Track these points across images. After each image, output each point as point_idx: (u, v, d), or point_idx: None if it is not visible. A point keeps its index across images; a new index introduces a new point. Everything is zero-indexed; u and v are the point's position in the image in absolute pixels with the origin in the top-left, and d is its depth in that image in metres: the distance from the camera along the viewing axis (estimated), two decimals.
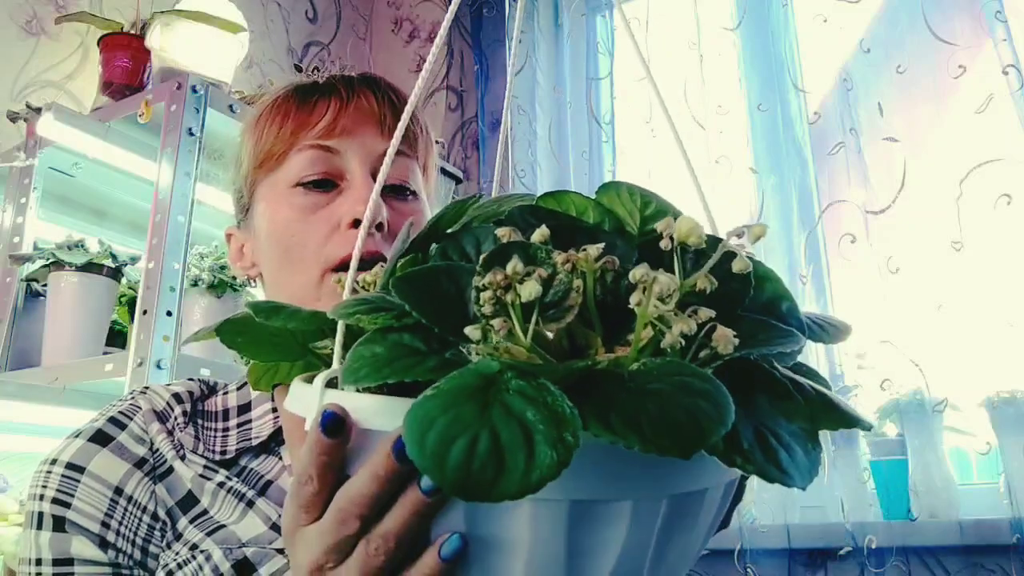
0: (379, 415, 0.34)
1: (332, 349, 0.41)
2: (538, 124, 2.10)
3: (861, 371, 1.54)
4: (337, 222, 0.68)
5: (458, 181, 2.01)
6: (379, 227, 0.67)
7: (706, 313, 0.32)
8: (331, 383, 0.37)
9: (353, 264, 0.41)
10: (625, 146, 2.02)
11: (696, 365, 0.32)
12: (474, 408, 0.29)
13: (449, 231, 0.43)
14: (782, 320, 0.38)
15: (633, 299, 0.32)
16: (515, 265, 0.32)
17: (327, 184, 0.69)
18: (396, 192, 0.71)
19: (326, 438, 0.35)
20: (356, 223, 0.66)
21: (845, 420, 0.36)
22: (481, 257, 0.36)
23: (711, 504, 0.36)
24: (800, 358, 0.38)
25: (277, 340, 0.41)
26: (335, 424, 0.35)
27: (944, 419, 1.48)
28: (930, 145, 1.61)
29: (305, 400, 0.38)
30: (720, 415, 0.29)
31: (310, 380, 0.41)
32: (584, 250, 0.34)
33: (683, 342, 0.32)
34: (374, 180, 0.69)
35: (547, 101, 2.14)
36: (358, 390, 0.35)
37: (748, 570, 1.53)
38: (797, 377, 0.36)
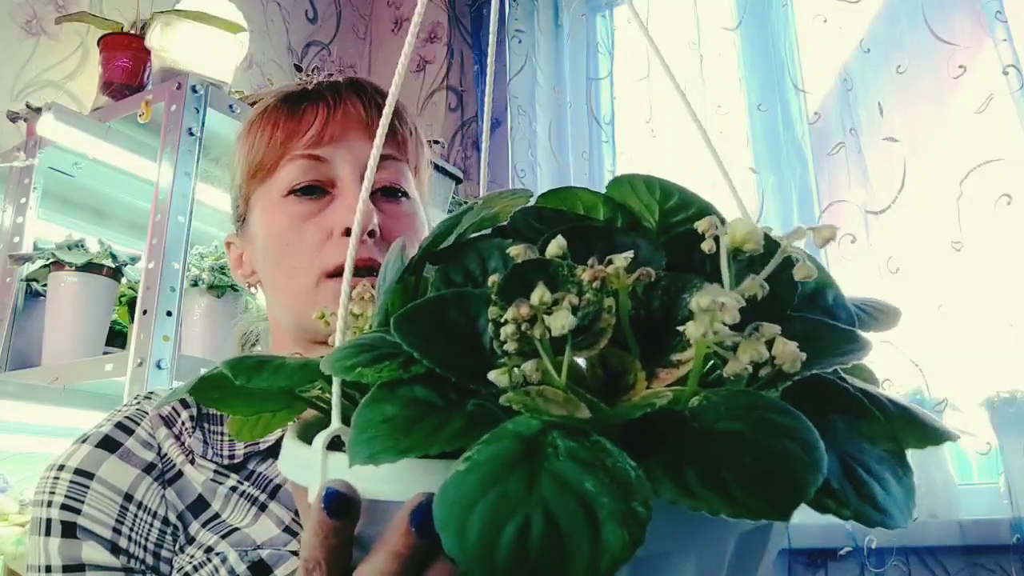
0: (391, 483, 0.29)
1: (323, 394, 0.36)
2: (538, 124, 2.10)
3: None
4: (330, 230, 0.68)
5: (458, 181, 2.01)
6: (371, 234, 0.67)
7: (771, 330, 0.27)
8: (332, 443, 0.32)
9: (345, 286, 0.36)
10: (625, 146, 2.02)
11: (758, 387, 0.28)
12: (519, 481, 0.24)
13: (442, 247, 0.38)
14: (829, 312, 0.33)
15: (696, 330, 0.26)
16: (542, 295, 0.27)
17: (318, 191, 0.70)
18: (387, 194, 0.72)
19: (331, 520, 0.31)
20: (348, 231, 0.67)
21: (933, 436, 0.31)
22: (491, 280, 0.31)
23: (779, 531, 0.32)
24: None
25: (255, 392, 0.35)
26: (341, 505, 0.30)
27: (944, 419, 1.48)
28: (930, 145, 1.60)
29: (303, 464, 0.33)
30: (813, 458, 0.24)
31: (304, 433, 0.35)
32: (610, 262, 0.29)
33: (750, 369, 0.27)
34: None
35: (547, 101, 2.14)
36: None
37: None
38: (869, 388, 0.31)
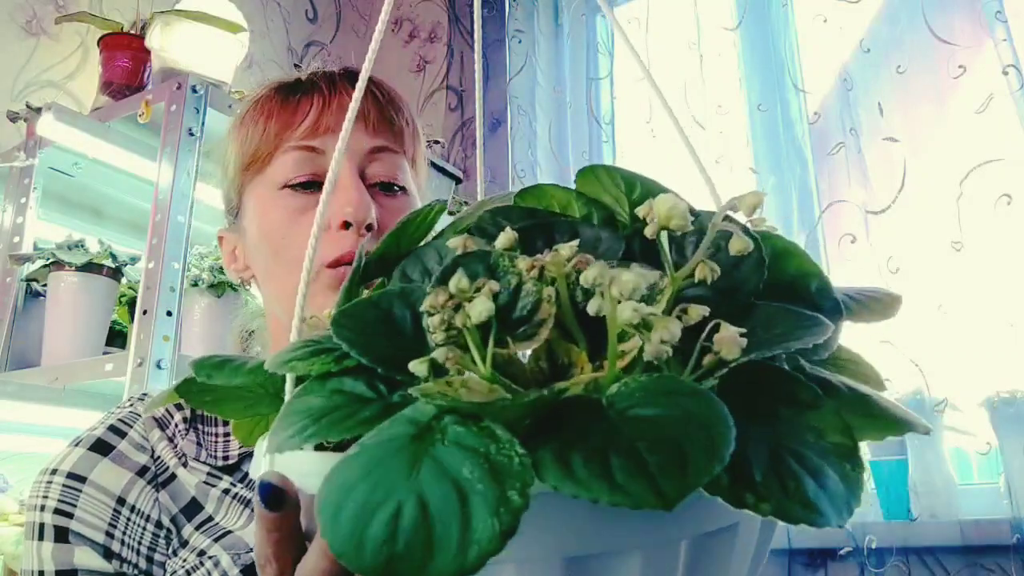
0: (320, 476, 0.28)
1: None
2: (538, 124, 2.10)
3: None
4: (327, 223, 0.67)
5: (458, 181, 2.01)
6: (368, 227, 0.66)
7: (698, 311, 0.26)
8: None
9: (302, 286, 0.36)
10: (625, 146, 2.02)
11: (698, 375, 0.27)
12: (402, 467, 0.24)
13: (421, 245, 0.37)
14: (811, 302, 0.32)
15: (592, 307, 0.26)
16: (459, 281, 0.27)
17: (315, 185, 0.68)
18: (385, 189, 0.70)
19: (269, 512, 0.31)
20: (346, 224, 0.66)
21: (893, 425, 0.29)
22: (434, 278, 0.31)
23: (746, 538, 0.29)
24: None
25: (246, 394, 0.35)
26: (274, 497, 0.31)
27: (944, 419, 1.48)
28: (930, 145, 1.60)
29: (258, 465, 0.33)
30: (714, 447, 0.22)
31: None
32: (555, 251, 0.28)
33: (669, 351, 0.25)
34: (362, 178, 0.68)
35: (547, 101, 2.14)
36: (325, 445, 0.29)
37: None
38: (829, 375, 0.30)
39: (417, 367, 0.27)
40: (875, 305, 0.34)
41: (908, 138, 1.61)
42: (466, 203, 2.05)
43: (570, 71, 2.13)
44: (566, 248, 0.28)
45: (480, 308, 0.26)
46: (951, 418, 1.48)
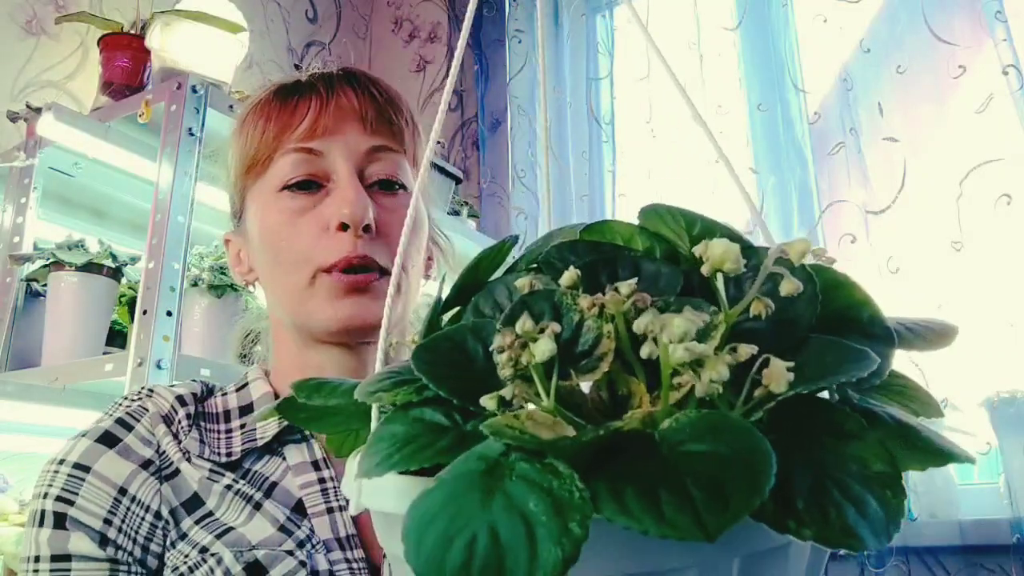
0: (396, 497, 0.31)
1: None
2: (538, 124, 2.10)
3: None
4: (325, 224, 0.67)
5: (458, 181, 2.01)
6: (366, 229, 0.67)
7: (747, 350, 0.28)
8: None
9: (385, 318, 0.39)
10: (625, 146, 2.02)
11: (748, 408, 0.28)
12: (475, 500, 0.26)
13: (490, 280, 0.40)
14: (863, 331, 0.33)
15: (644, 352, 0.28)
16: (524, 323, 0.29)
17: (313, 185, 0.69)
18: (384, 188, 0.71)
19: None
20: (343, 226, 0.66)
21: (935, 456, 0.30)
22: (502, 316, 0.33)
23: (798, 556, 0.31)
24: None
25: (338, 411, 0.39)
26: None
27: (944, 419, 1.48)
28: (930, 145, 1.61)
29: (347, 480, 0.36)
30: (755, 482, 0.24)
31: None
32: (615, 289, 0.30)
33: (720, 389, 0.27)
34: (359, 178, 0.69)
35: (547, 101, 2.14)
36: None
37: None
38: (876, 406, 0.32)
39: (488, 402, 0.29)
40: (930, 335, 0.35)
41: (908, 138, 1.62)
42: (466, 203, 2.05)
43: (570, 71, 2.13)
44: (625, 287, 0.30)
45: (543, 348, 0.29)
46: (951, 418, 1.48)
